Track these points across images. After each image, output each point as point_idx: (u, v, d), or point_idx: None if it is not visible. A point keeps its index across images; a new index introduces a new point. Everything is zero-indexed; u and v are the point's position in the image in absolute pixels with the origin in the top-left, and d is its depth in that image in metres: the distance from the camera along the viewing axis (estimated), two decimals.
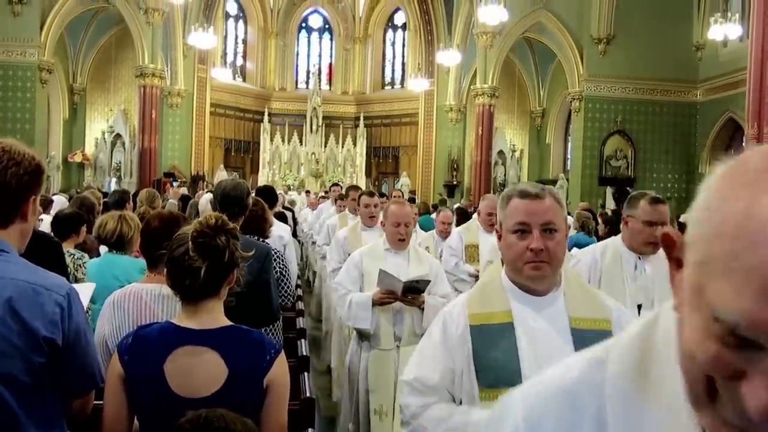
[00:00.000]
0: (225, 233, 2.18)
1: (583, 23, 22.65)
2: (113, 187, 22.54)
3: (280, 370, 2.18)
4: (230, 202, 4.05)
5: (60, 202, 9.15)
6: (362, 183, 25.78)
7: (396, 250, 4.53)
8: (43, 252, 3.43)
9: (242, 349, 2.15)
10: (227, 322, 2.21)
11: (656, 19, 22.00)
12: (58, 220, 4.92)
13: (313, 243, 10.82)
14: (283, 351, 2.25)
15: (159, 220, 2.96)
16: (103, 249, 4.88)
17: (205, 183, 24.26)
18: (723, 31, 18.84)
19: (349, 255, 5.52)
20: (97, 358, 2.17)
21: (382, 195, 6.54)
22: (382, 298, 4.24)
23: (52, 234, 4.65)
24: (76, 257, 4.55)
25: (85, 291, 3.30)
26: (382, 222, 4.67)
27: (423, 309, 4.25)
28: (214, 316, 2.20)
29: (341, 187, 12.01)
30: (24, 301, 1.89)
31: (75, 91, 25.81)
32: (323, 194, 17.44)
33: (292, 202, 16.36)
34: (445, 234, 7.12)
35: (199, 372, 2.10)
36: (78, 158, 25.11)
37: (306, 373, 3.88)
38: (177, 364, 2.10)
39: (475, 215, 6.32)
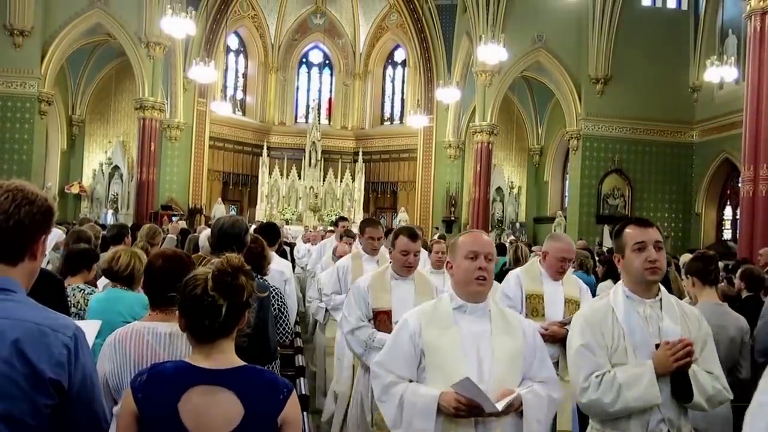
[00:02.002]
0: (244, 273, 2.22)
1: (581, 63, 22.93)
2: (110, 218, 22.52)
3: (293, 409, 2.23)
4: (228, 239, 4.04)
5: (56, 234, 8.83)
6: (360, 218, 25.75)
7: (473, 301, 3.01)
8: (46, 290, 3.40)
9: (257, 388, 2.18)
10: (241, 362, 2.23)
11: (653, 60, 22.32)
12: (71, 255, 4.89)
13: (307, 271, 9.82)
14: (294, 390, 2.28)
15: (163, 259, 2.95)
16: (101, 284, 4.83)
17: (203, 217, 24.25)
18: (719, 73, 19.07)
19: (370, 307, 4.62)
20: (104, 401, 2.13)
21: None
22: (458, 408, 2.81)
23: (61, 267, 4.62)
24: (86, 292, 4.52)
25: (90, 328, 3.24)
26: (448, 263, 3.15)
27: (522, 412, 2.91)
28: (228, 356, 2.22)
29: (348, 223, 10.86)
30: (30, 342, 1.87)
31: (74, 123, 25.94)
32: (327, 228, 16.21)
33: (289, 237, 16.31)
34: (438, 264, 6.22)
35: (214, 411, 2.11)
36: (75, 189, 25.13)
37: (305, 413, 3.82)
38: (192, 403, 2.11)
39: (533, 258, 5.09)
